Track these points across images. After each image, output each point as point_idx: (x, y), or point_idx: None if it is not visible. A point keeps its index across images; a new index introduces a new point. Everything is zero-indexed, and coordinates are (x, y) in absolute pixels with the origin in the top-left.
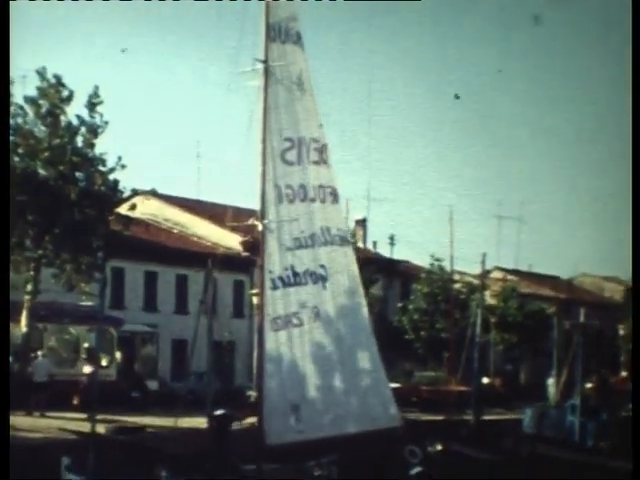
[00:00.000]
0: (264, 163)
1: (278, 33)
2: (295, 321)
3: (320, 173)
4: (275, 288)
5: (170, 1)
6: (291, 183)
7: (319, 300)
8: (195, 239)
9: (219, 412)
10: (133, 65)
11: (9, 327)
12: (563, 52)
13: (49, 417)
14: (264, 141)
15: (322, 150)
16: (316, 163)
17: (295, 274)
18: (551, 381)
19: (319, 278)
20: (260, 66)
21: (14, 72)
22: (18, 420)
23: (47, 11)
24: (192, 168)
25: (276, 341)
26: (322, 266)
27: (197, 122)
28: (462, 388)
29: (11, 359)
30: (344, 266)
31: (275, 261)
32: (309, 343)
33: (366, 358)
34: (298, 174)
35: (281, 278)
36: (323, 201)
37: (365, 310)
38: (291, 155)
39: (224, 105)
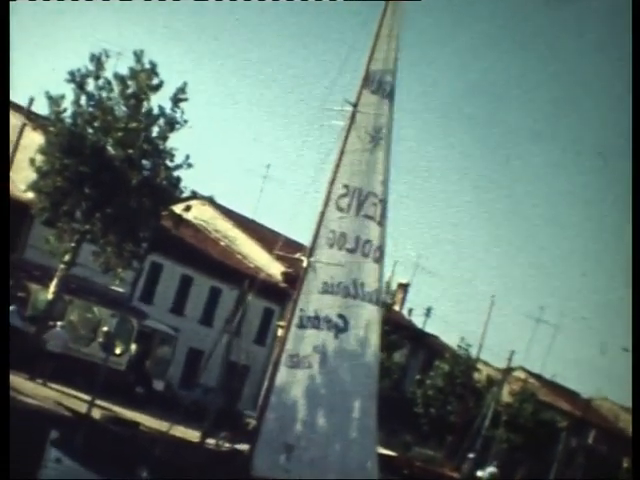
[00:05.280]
0: (326, 203)
1: (372, 82)
2: (305, 363)
3: (369, 228)
4: (300, 326)
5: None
6: (335, 229)
7: (329, 348)
8: (239, 257)
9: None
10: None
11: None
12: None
13: (50, 388)
14: (332, 182)
15: (377, 206)
16: (368, 217)
17: (316, 317)
18: None
19: (333, 327)
20: (349, 108)
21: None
22: (19, 383)
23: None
24: (256, 188)
25: (287, 377)
26: (341, 316)
27: (273, 146)
28: (455, 475)
29: (21, 323)
30: (365, 324)
31: (307, 300)
32: (313, 387)
33: (364, 414)
34: (344, 222)
35: (308, 318)
36: (365, 256)
37: (375, 371)
38: (344, 202)
39: (303, 137)
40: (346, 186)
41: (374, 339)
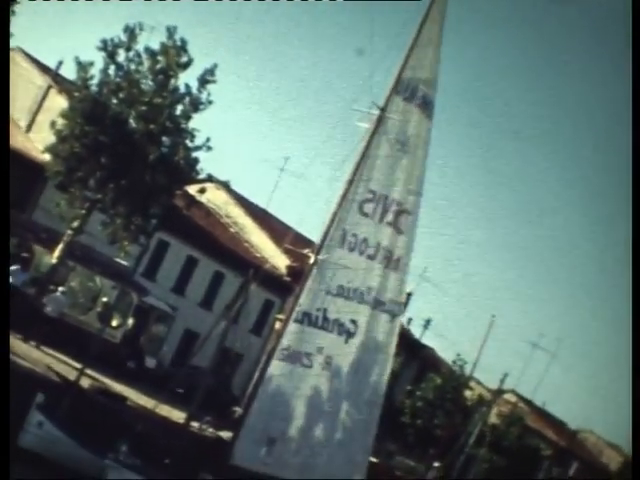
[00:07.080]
0: (340, 203)
1: (405, 89)
2: (305, 361)
3: (389, 236)
4: (298, 322)
5: None
6: (357, 233)
7: (336, 352)
8: (246, 245)
9: None
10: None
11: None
12: None
13: (43, 352)
14: (349, 183)
15: (399, 214)
16: (389, 225)
17: (325, 318)
18: None
19: (345, 332)
20: (376, 112)
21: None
22: (13, 343)
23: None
24: (272, 179)
25: (279, 371)
26: (353, 322)
27: (294, 139)
28: None
29: (22, 283)
30: (377, 332)
31: (310, 297)
32: (309, 386)
33: (363, 421)
34: (367, 228)
35: (308, 315)
36: (386, 266)
37: (383, 381)
38: (368, 207)
39: (326, 134)
40: (372, 191)
41: (386, 350)
